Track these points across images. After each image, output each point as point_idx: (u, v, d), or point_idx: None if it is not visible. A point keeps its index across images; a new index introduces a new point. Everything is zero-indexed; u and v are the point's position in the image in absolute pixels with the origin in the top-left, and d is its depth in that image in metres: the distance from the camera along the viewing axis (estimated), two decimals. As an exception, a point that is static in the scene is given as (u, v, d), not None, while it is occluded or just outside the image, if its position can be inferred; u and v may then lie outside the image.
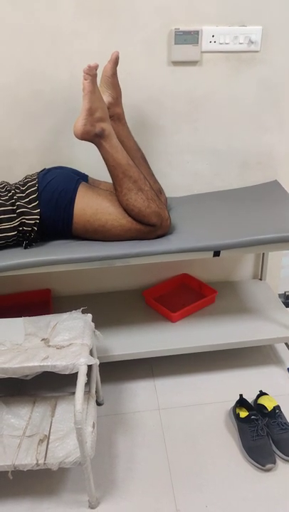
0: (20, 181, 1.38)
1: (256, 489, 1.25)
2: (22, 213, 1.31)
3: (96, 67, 1.20)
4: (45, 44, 1.42)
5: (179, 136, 1.61)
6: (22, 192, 1.33)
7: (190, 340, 1.57)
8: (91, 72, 1.19)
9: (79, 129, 1.23)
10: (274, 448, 1.34)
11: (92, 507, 1.22)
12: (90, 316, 1.33)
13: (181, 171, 1.68)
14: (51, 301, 1.79)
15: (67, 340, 1.21)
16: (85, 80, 1.20)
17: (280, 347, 1.77)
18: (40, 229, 1.33)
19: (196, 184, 1.71)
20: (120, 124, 1.40)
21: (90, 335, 1.25)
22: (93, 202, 1.33)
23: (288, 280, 2.00)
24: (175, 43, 1.44)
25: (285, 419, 1.40)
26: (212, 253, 1.35)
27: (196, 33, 1.44)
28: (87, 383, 1.22)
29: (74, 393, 1.10)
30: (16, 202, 1.31)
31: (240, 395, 1.46)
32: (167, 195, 1.65)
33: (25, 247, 1.34)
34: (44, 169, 1.41)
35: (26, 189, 1.33)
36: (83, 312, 1.35)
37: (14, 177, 1.59)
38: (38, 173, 1.38)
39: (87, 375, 1.13)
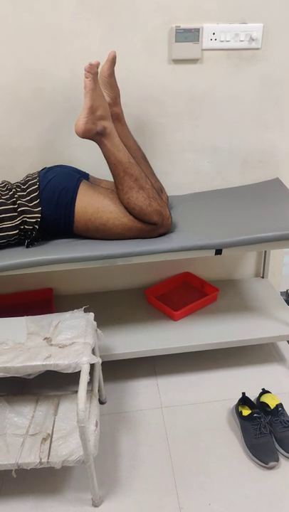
0: (22, 180, 1.38)
1: (259, 487, 1.25)
2: (23, 212, 1.30)
3: (97, 65, 1.19)
4: (45, 42, 1.41)
5: (180, 134, 1.61)
6: (23, 190, 1.33)
7: (192, 338, 1.57)
8: (92, 70, 1.19)
9: (80, 128, 1.23)
10: (277, 446, 1.34)
11: (95, 505, 1.22)
12: (92, 314, 1.33)
13: (183, 169, 1.67)
14: (53, 300, 1.79)
15: (69, 339, 1.21)
16: (86, 77, 1.19)
17: (283, 345, 1.77)
18: (42, 228, 1.33)
19: (198, 182, 1.71)
20: (119, 124, 1.40)
21: (92, 334, 1.25)
22: (94, 200, 1.33)
23: (290, 278, 2.00)
24: (176, 41, 1.44)
25: (288, 416, 1.39)
26: (214, 251, 1.35)
27: (197, 30, 1.44)
28: (90, 382, 1.22)
29: (77, 392, 1.10)
30: (17, 200, 1.31)
31: (243, 393, 1.45)
32: (168, 194, 1.65)
33: (27, 246, 1.34)
34: (45, 168, 1.41)
35: (27, 188, 1.33)
36: (85, 311, 1.35)
37: (15, 176, 1.59)
38: (39, 172, 1.38)
39: (89, 373, 1.13)
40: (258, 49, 1.50)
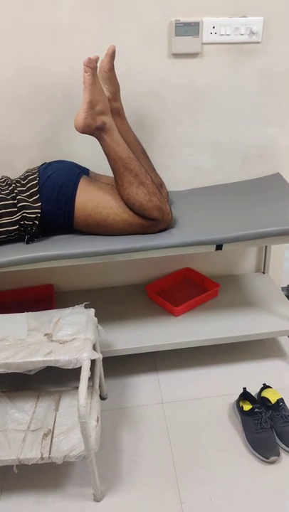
0: (21, 175, 1.38)
1: (260, 481, 1.25)
2: (23, 207, 1.30)
3: (96, 60, 1.19)
4: (44, 37, 1.41)
5: (180, 129, 1.60)
6: (23, 186, 1.33)
7: (193, 334, 1.57)
8: (91, 65, 1.18)
9: (80, 123, 1.23)
10: (278, 440, 1.34)
11: (97, 500, 1.23)
12: (92, 310, 1.33)
13: (183, 164, 1.67)
14: (54, 296, 1.79)
15: (70, 335, 1.21)
16: (86, 72, 1.19)
17: (284, 340, 1.77)
18: (42, 223, 1.33)
19: (198, 177, 1.70)
20: (119, 119, 1.39)
21: (92, 329, 1.25)
22: (94, 196, 1.32)
23: (291, 273, 2.00)
24: (175, 35, 1.43)
25: (289, 411, 1.40)
26: (214, 247, 1.34)
27: (197, 24, 1.42)
28: (91, 378, 1.22)
29: (77, 388, 1.10)
30: (16, 196, 1.31)
31: (244, 388, 1.46)
32: (168, 189, 1.64)
33: (27, 242, 1.34)
34: (45, 163, 1.41)
35: (27, 183, 1.33)
36: (86, 307, 1.35)
37: (15, 172, 1.58)
38: (39, 167, 1.37)
39: (90, 369, 1.13)
40: (258, 43, 1.49)
